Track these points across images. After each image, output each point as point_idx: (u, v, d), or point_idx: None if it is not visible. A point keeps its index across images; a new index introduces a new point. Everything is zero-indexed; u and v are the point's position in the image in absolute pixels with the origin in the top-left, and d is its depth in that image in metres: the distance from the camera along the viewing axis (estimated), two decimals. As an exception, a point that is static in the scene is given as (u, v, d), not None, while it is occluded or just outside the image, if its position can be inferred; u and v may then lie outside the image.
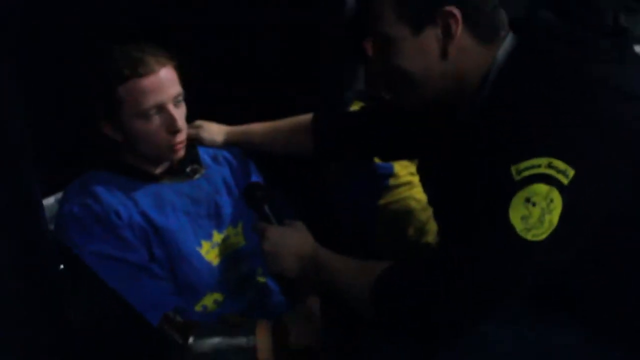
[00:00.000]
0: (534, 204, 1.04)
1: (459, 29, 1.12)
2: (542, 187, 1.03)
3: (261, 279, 1.59)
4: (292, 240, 1.34)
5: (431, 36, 1.14)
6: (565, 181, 1.03)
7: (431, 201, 1.42)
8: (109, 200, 1.42)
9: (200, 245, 1.51)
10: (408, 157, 1.63)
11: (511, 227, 1.04)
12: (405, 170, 1.71)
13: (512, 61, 1.14)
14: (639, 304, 1.13)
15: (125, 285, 1.34)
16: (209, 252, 1.52)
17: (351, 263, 1.27)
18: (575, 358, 1.15)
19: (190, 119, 1.52)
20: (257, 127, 1.64)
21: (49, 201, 1.57)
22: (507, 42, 1.16)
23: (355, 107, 1.77)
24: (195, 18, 1.83)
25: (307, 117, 1.60)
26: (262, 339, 1.37)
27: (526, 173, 1.03)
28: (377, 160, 1.68)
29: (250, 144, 1.64)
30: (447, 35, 1.13)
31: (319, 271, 1.29)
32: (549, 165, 1.03)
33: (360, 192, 1.72)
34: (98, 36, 1.57)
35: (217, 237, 1.55)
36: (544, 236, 1.04)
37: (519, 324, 1.14)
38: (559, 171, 1.03)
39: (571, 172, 1.02)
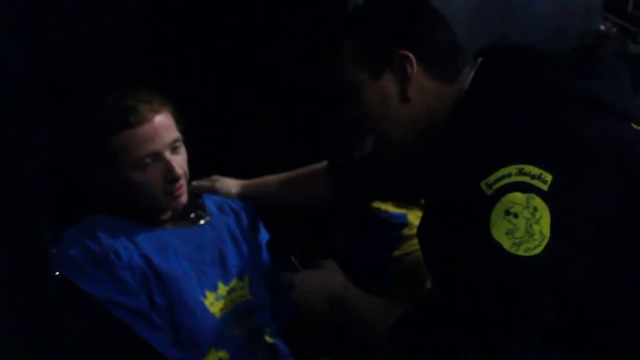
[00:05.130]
0: (515, 215, 0.96)
1: (414, 71, 1.14)
2: (518, 196, 0.96)
3: (269, 339, 1.50)
4: (320, 281, 1.26)
5: (390, 80, 1.15)
6: (544, 187, 0.95)
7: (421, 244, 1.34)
8: (108, 241, 1.35)
9: (204, 295, 1.43)
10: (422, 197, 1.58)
11: (497, 246, 0.95)
12: (419, 221, 1.63)
13: (473, 86, 1.13)
14: None
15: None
16: (213, 304, 1.44)
17: (377, 302, 1.20)
18: None
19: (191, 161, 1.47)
20: (272, 179, 1.62)
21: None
22: (472, 73, 1.15)
23: None
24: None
25: (321, 165, 1.58)
26: None
27: (497, 185, 0.97)
28: (390, 207, 1.62)
29: (267, 195, 1.61)
30: (404, 77, 1.14)
31: (348, 311, 1.21)
32: (521, 172, 0.96)
33: (374, 242, 1.64)
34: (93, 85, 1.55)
35: (222, 289, 1.46)
36: (539, 250, 0.94)
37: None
38: (533, 177, 0.96)
39: (548, 177, 0.96)
